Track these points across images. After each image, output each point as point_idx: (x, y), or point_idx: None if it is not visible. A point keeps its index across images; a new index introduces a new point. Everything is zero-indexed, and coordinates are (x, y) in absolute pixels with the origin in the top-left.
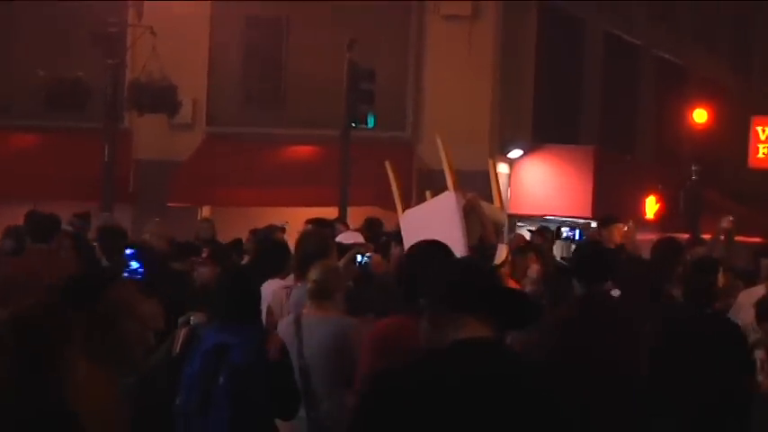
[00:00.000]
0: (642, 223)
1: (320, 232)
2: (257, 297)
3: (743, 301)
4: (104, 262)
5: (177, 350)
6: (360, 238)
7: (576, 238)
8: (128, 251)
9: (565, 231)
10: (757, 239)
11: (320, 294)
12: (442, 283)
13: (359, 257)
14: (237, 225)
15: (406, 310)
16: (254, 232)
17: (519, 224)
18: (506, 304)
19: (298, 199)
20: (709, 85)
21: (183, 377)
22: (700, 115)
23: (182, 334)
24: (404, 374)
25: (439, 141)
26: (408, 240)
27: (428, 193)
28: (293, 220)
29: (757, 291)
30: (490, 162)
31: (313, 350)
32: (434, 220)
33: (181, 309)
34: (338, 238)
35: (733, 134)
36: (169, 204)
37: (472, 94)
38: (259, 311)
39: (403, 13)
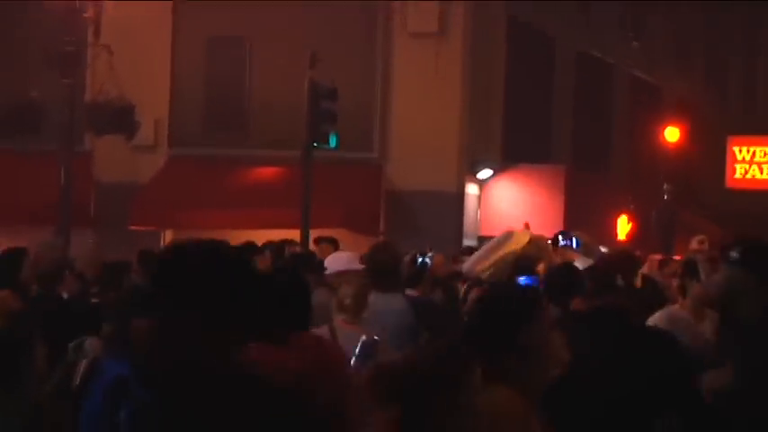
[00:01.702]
0: (614, 243)
1: (391, 245)
2: None
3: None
4: None
5: (77, 383)
6: (355, 263)
7: (574, 246)
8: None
9: (561, 239)
10: None
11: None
12: None
13: (419, 258)
14: None
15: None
16: (141, 254)
17: None
18: None
19: (261, 221)
20: (682, 103)
21: (83, 414)
22: (672, 134)
23: (82, 365)
24: None
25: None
26: None
27: None
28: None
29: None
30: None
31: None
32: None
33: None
34: (327, 261)
35: (707, 153)
36: (131, 228)
37: (441, 112)
38: None
39: (369, 31)
